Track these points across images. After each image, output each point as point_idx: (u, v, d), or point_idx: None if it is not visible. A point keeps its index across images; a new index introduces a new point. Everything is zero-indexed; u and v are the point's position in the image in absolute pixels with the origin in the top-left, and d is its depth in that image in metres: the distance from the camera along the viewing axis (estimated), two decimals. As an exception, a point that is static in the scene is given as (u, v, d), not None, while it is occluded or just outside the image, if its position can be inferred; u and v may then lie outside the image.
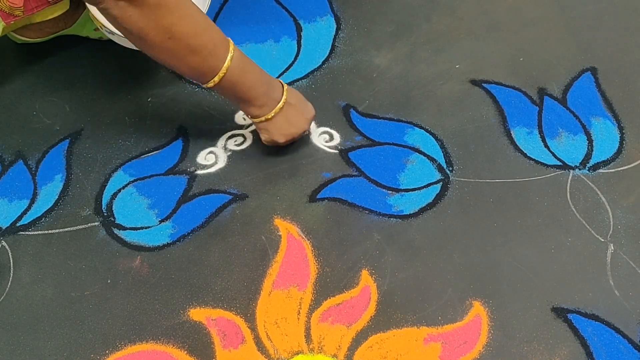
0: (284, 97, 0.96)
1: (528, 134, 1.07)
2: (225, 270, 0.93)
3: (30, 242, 0.97)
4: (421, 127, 1.08)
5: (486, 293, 0.91)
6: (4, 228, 0.98)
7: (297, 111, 0.99)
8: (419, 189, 1.01)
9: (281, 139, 0.99)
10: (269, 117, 0.96)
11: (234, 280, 0.93)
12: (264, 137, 1.00)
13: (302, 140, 1.06)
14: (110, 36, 1.04)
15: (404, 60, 1.17)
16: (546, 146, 1.06)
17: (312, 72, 1.15)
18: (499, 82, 1.14)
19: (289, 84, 1.13)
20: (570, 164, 1.04)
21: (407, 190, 1.01)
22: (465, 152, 1.05)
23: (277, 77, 1.13)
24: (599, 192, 1.00)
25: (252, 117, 0.97)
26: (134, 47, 0.93)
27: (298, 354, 0.87)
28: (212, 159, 1.05)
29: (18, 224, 0.99)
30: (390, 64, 1.16)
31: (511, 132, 1.07)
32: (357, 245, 0.95)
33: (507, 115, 1.09)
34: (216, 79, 0.90)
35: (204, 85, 0.92)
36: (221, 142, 1.07)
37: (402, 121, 1.09)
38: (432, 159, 1.04)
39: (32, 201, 1.01)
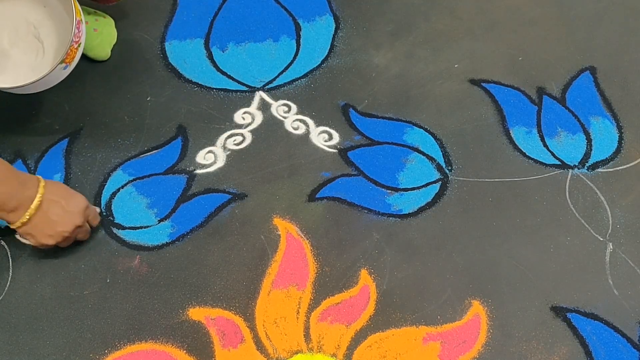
0: (39, 194, 0.85)
1: (527, 133, 1.07)
2: (225, 270, 0.93)
3: (29, 241, 0.97)
4: (420, 127, 1.08)
5: (485, 292, 0.91)
6: (2, 227, 0.98)
7: (60, 207, 0.87)
8: (418, 188, 1.01)
9: (50, 241, 0.88)
10: (25, 220, 0.85)
11: (233, 279, 0.92)
12: (31, 242, 0.89)
13: (301, 140, 1.06)
14: None
15: (403, 59, 1.17)
16: (545, 145, 1.06)
17: (311, 71, 1.15)
18: (498, 81, 1.14)
19: (288, 83, 1.13)
20: (569, 163, 1.04)
21: (406, 190, 1.01)
22: (464, 151, 1.05)
23: (276, 77, 1.14)
24: (597, 192, 1.00)
25: (10, 223, 0.86)
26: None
27: (297, 353, 0.87)
28: (211, 158, 1.05)
29: (17, 224, 0.99)
30: (389, 64, 1.16)
31: (510, 132, 1.07)
32: (356, 244, 0.95)
33: (506, 114, 1.09)
34: None
35: None
36: (220, 141, 1.07)
37: (401, 120, 1.09)
38: (431, 159, 1.04)
39: (31, 200, 1.01)
